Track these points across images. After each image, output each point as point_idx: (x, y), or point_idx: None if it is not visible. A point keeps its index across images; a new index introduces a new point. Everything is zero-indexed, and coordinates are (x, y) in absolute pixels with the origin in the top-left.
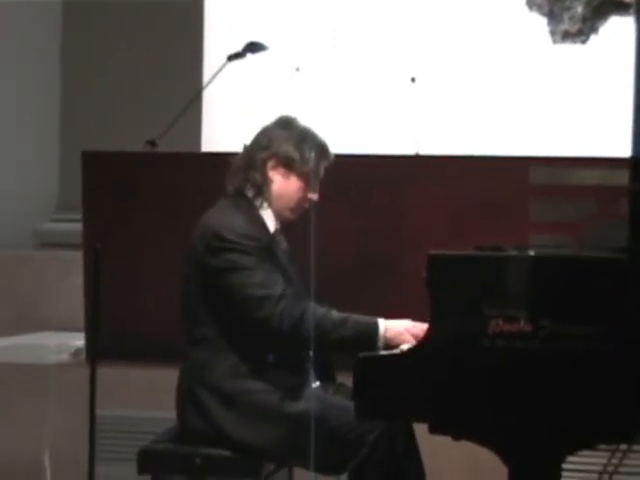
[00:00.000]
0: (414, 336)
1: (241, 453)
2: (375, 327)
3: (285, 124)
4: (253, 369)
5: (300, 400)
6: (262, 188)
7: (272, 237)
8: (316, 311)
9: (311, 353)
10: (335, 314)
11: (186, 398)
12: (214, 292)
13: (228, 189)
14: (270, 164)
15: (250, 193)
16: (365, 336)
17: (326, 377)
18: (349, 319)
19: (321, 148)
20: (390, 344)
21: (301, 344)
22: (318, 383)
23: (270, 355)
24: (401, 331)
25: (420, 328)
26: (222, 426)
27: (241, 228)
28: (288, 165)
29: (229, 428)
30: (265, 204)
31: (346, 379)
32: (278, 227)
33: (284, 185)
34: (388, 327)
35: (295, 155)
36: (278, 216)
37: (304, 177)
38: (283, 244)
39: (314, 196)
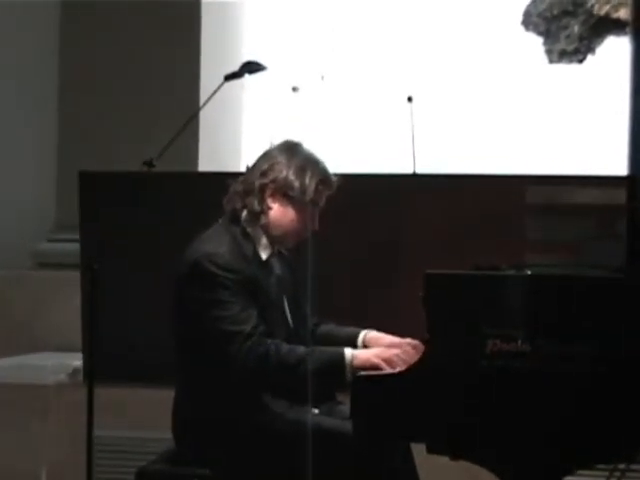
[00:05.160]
0: (386, 360)
1: None
2: (340, 357)
3: (288, 149)
4: (242, 398)
5: (296, 429)
6: (259, 215)
7: (261, 266)
8: (280, 347)
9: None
10: (301, 348)
11: (180, 425)
12: (187, 320)
13: (226, 211)
14: (268, 191)
15: (245, 219)
16: (331, 367)
17: (325, 399)
18: (315, 351)
19: (323, 177)
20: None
21: (265, 382)
22: (317, 411)
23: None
24: (368, 358)
25: (391, 352)
26: (215, 457)
27: (222, 258)
28: (287, 193)
29: (222, 459)
30: (260, 231)
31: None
32: (275, 251)
33: (281, 213)
34: (356, 355)
35: (295, 183)
36: (275, 242)
37: (303, 206)
38: (277, 270)
39: (313, 225)
